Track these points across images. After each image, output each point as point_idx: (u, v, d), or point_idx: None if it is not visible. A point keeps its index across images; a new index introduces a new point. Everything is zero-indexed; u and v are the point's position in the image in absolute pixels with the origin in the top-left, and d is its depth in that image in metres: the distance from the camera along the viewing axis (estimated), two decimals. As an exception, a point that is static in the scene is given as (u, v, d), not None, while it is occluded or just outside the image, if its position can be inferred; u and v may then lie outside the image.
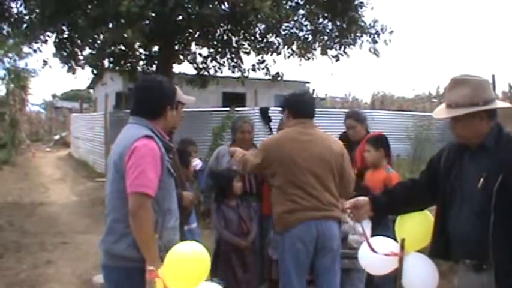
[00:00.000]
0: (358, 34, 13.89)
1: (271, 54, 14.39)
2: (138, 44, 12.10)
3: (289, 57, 14.66)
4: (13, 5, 12.55)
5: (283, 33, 13.80)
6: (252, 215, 5.43)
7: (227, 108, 14.79)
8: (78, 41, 12.48)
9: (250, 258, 5.36)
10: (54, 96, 54.99)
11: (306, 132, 4.67)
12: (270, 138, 4.93)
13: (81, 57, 13.25)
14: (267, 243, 5.54)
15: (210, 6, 11.03)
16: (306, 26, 14.06)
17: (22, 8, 12.48)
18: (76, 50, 12.95)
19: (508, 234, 2.83)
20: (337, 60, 14.50)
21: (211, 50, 14.44)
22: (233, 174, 5.42)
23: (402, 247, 3.37)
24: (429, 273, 3.34)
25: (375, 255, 3.42)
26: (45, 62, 13.51)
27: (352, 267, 5.08)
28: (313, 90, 30.36)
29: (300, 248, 4.44)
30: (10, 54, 21.00)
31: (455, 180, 3.09)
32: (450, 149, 3.22)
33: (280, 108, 5.07)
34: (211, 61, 14.68)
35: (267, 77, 15.09)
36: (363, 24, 13.71)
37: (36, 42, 13.19)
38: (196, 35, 13.32)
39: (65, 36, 12.63)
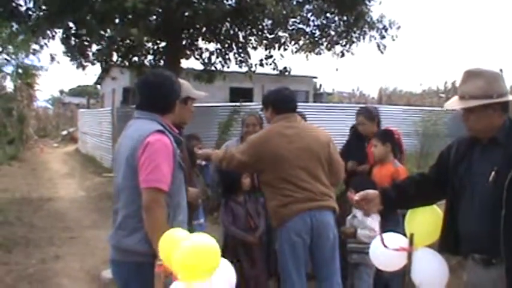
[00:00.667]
0: (366, 29, 13.87)
1: (279, 49, 14.39)
2: (145, 39, 12.12)
3: (296, 52, 14.68)
4: (21, 2, 12.60)
5: (290, 28, 13.79)
6: (260, 211, 5.40)
7: (233, 104, 14.78)
8: (86, 37, 12.51)
9: (258, 254, 5.33)
10: (61, 92, 55.26)
11: (291, 126, 4.65)
12: (256, 135, 4.83)
13: (89, 53, 13.28)
14: (274, 238, 5.54)
15: (216, 1, 11.02)
16: (313, 21, 14.05)
17: (30, 5, 12.51)
18: (84, 45, 12.97)
19: None
20: (342, 56, 14.50)
21: (218, 45, 14.44)
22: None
23: (411, 242, 3.36)
24: (438, 268, 3.32)
25: (385, 250, 3.41)
26: (52, 58, 13.56)
27: (362, 262, 5.08)
28: (321, 85, 30.24)
29: (297, 241, 4.44)
30: (19, 51, 21.02)
31: (465, 175, 3.07)
32: (460, 143, 3.20)
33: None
34: (217, 56, 14.68)
35: (275, 72, 15.09)
36: (370, 19, 13.69)
37: (44, 38, 13.22)
38: (203, 31, 13.33)
39: (72, 32, 12.66)
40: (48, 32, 12.76)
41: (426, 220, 3.37)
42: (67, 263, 7.31)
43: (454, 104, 3.10)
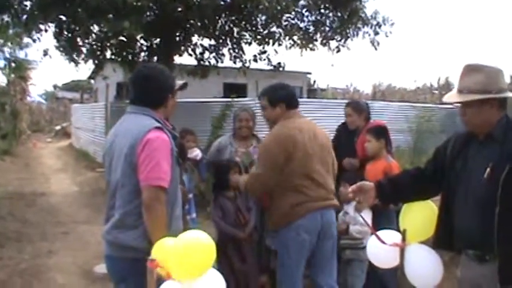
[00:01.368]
0: (360, 25, 13.87)
1: (273, 45, 14.37)
2: (139, 35, 12.07)
3: (290, 47, 14.65)
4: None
5: (284, 24, 13.78)
6: (251, 206, 5.37)
7: (226, 99, 14.77)
8: (78, 32, 12.45)
9: (248, 250, 5.31)
10: (55, 86, 55.02)
11: (305, 122, 4.66)
12: (271, 138, 4.58)
13: (83, 49, 13.23)
14: (265, 234, 5.54)
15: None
16: (307, 16, 14.04)
17: (22, -2, 12.43)
18: (77, 40, 12.91)
19: None
20: (337, 52, 14.50)
21: (212, 41, 14.41)
22: (231, 166, 5.39)
23: (403, 238, 3.37)
24: (432, 264, 3.32)
25: (379, 246, 3.41)
26: (45, 52, 13.49)
27: (355, 258, 5.09)
28: (315, 81, 30.25)
29: (306, 238, 4.42)
30: (10, 44, 20.94)
31: (461, 170, 3.07)
32: (457, 138, 3.20)
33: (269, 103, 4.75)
34: (212, 52, 14.65)
35: (269, 67, 15.07)
36: (364, 15, 13.69)
37: (37, 32, 13.15)
38: (197, 26, 13.29)
39: (65, 26, 12.59)
40: (41, 25, 12.68)
41: (421, 216, 3.37)
42: (60, 258, 7.30)
43: (452, 97, 3.11)
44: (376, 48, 14.31)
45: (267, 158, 4.47)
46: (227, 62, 15.19)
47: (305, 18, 14.08)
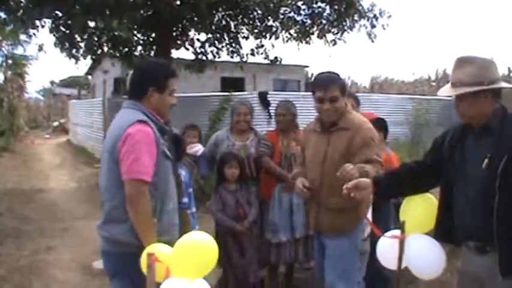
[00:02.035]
0: (356, 18, 13.86)
1: (270, 39, 14.36)
2: (135, 31, 12.06)
3: (287, 41, 14.64)
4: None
5: (281, 17, 13.76)
6: (252, 201, 5.38)
7: (224, 93, 14.77)
8: (74, 28, 12.43)
9: (247, 244, 5.31)
10: (52, 83, 55.02)
11: None
12: (374, 131, 4.14)
13: (81, 44, 13.21)
14: (265, 228, 5.54)
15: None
16: (303, 10, 14.03)
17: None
18: (74, 36, 12.88)
19: None
20: (334, 45, 14.50)
21: (210, 35, 14.39)
22: (226, 160, 5.40)
23: (402, 230, 3.37)
24: (434, 253, 3.31)
25: (384, 245, 3.42)
26: (40, 48, 13.46)
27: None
28: (312, 74, 30.27)
29: None
30: (7, 41, 20.88)
31: (459, 162, 3.07)
32: (454, 130, 3.19)
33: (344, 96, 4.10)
34: (209, 46, 14.64)
35: (266, 61, 15.07)
36: (360, 8, 13.68)
37: (33, 28, 13.11)
38: (194, 21, 13.27)
39: (61, 22, 12.56)
40: (37, 22, 12.65)
41: (421, 209, 3.36)
42: (59, 254, 7.31)
43: (446, 91, 3.10)
44: (373, 41, 14.34)
45: (379, 147, 4.18)
46: (224, 56, 15.18)
47: (302, 11, 14.06)
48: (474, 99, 2.95)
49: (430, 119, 14.39)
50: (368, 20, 14.02)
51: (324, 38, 14.35)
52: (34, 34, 13.40)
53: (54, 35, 12.82)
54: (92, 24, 11.79)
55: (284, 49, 15.60)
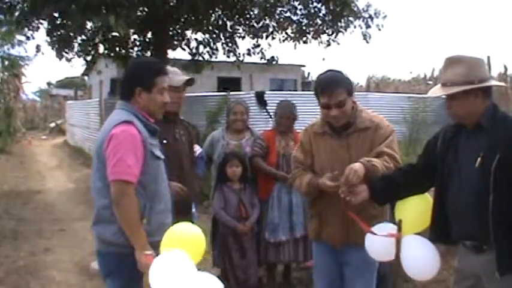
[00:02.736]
0: (351, 18, 13.89)
1: (266, 38, 14.39)
2: (132, 30, 12.05)
3: (284, 41, 14.67)
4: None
5: (277, 17, 13.79)
6: (255, 202, 5.38)
7: (222, 93, 14.77)
8: (70, 28, 12.42)
9: (248, 244, 5.32)
10: (49, 84, 54.98)
11: None
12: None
13: (75, 45, 13.20)
14: (263, 227, 5.55)
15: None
16: (300, 10, 14.05)
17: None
18: (69, 36, 12.88)
19: (508, 213, 2.83)
20: (327, 46, 14.54)
21: (206, 35, 14.40)
22: (228, 158, 5.40)
23: (399, 228, 3.37)
24: (428, 255, 3.31)
25: (374, 238, 3.41)
26: (37, 49, 13.45)
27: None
28: (309, 73, 30.21)
29: None
30: (3, 41, 20.86)
31: (452, 161, 3.08)
32: (447, 130, 3.21)
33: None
34: (205, 46, 14.65)
35: (262, 61, 15.09)
36: (356, 8, 13.70)
37: (29, 29, 13.12)
38: (190, 21, 13.28)
39: (57, 23, 12.56)
40: (33, 23, 12.65)
41: (416, 207, 3.36)
42: (56, 255, 7.29)
43: (436, 91, 3.12)
44: (367, 41, 14.37)
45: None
46: (221, 56, 15.19)
47: (298, 12, 14.09)
48: (465, 99, 2.97)
49: (427, 118, 14.37)
50: (363, 20, 14.05)
51: (318, 38, 14.38)
52: (31, 35, 13.42)
53: (49, 36, 12.83)
54: (89, 23, 11.81)
55: (280, 49, 15.65)
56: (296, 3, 13.87)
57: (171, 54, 14.40)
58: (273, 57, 14.99)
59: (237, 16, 13.92)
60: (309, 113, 7.26)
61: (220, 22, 14.10)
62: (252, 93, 13.99)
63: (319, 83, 3.74)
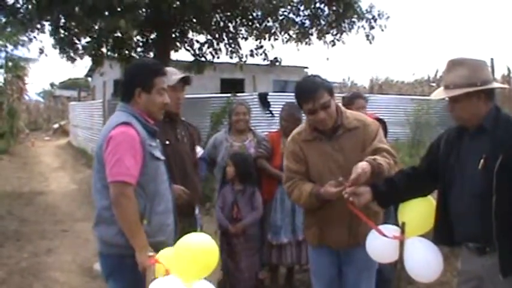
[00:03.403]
0: (355, 19, 13.89)
1: (269, 40, 14.39)
2: (135, 32, 12.07)
3: (287, 42, 14.67)
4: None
5: (280, 18, 13.79)
6: (257, 205, 5.34)
7: (225, 94, 14.76)
8: (75, 30, 12.45)
9: (239, 248, 5.29)
10: (52, 85, 55.03)
11: None
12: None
13: (79, 46, 13.22)
14: (266, 228, 5.54)
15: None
16: (302, 11, 14.06)
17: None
18: (73, 38, 12.91)
19: (511, 215, 2.83)
20: (333, 46, 14.54)
21: (209, 37, 14.41)
22: (228, 159, 5.42)
23: (403, 230, 3.36)
24: (432, 257, 3.30)
25: (379, 241, 3.40)
26: (41, 51, 13.47)
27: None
28: (312, 75, 30.27)
29: None
30: (7, 43, 20.91)
31: (455, 163, 3.08)
32: (449, 133, 3.21)
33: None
34: (208, 47, 14.65)
35: (265, 62, 15.08)
36: (359, 9, 13.71)
37: (33, 31, 13.14)
38: (193, 22, 13.29)
39: (61, 24, 12.58)
40: (38, 24, 12.67)
41: (419, 209, 3.35)
42: (59, 256, 7.30)
43: (439, 94, 3.11)
44: (370, 42, 14.37)
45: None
46: (224, 58, 15.19)
47: (301, 13, 14.09)
48: (468, 101, 2.96)
49: (431, 120, 14.36)
50: (366, 21, 14.05)
51: (323, 39, 14.38)
52: (35, 37, 13.45)
53: (54, 38, 12.85)
54: (95, 26, 11.82)
55: (283, 50, 15.65)
56: (299, 5, 13.86)
57: (174, 55, 14.42)
58: (276, 58, 14.99)
59: (239, 17, 13.93)
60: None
61: (222, 23, 14.11)
62: (255, 94, 14.00)
63: (300, 91, 3.74)
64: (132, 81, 3.38)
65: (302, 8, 13.88)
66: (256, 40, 14.55)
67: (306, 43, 14.65)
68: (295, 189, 3.77)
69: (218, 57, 14.99)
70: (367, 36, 14.24)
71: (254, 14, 13.78)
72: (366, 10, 13.95)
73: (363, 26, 14.15)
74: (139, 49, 13.93)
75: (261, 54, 14.89)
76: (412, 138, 14.25)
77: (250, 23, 14.13)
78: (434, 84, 24.55)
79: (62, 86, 52.19)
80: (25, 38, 15.32)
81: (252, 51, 14.84)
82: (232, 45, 14.69)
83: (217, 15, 13.60)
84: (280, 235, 5.48)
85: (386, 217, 4.32)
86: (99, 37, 12.30)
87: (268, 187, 5.55)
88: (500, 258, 2.85)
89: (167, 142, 4.15)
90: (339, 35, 14.27)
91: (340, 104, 3.84)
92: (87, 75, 32.76)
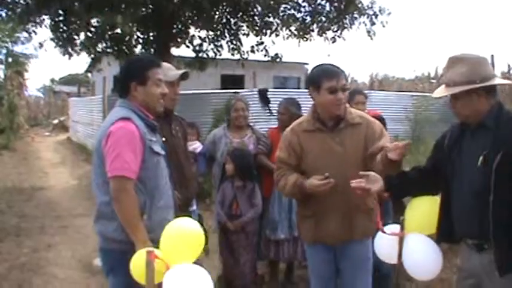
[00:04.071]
0: (356, 15, 13.88)
1: (270, 36, 14.38)
2: (134, 28, 12.05)
3: (287, 38, 14.66)
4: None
5: (281, 14, 13.78)
6: (256, 202, 5.35)
7: (226, 91, 14.75)
8: (74, 25, 12.43)
9: (237, 244, 5.30)
10: (52, 80, 55.02)
11: None
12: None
13: (77, 42, 13.21)
14: (265, 224, 5.54)
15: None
16: (304, 7, 14.04)
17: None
18: (72, 33, 12.89)
19: (508, 212, 2.83)
20: (333, 42, 14.52)
21: (210, 33, 14.39)
22: (227, 156, 5.43)
23: (402, 227, 3.36)
24: (430, 255, 3.30)
25: (383, 240, 3.41)
26: (41, 45, 13.47)
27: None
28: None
29: None
30: (6, 38, 20.91)
31: (456, 160, 3.08)
32: (452, 130, 3.21)
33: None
34: (209, 44, 14.64)
35: (266, 58, 15.07)
36: (360, 5, 13.70)
37: (32, 25, 13.12)
38: (194, 18, 13.27)
39: (61, 19, 12.56)
40: (37, 18, 12.65)
41: (425, 209, 3.35)
42: (59, 252, 7.30)
43: (440, 92, 3.11)
44: (371, 38, 14.38)
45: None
46: (224, 54, 15.18)
47: (302, 9, 14.09)
48: (468, 98, 2.96)
49: (431, 116, 14.36)
50: (368, 17, 14.04)
51: (324, 35, 14.37)
52: (34, 32, 13.42)
53: (52, 32, 12.84)
54: (94, 22, 11.81)
55: (284, 46, 15.59)
56: (300, 1, 13.86)
57: (175, 51, 14.39)
58: (276, 54, 14.98)
59: (240, 13, 13.91)
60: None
61: (224, 19, 14.10)
62: (255, 90, 14.00)
63: (323, 69, 3.76)
64: (127, 76, 3.40)
65: (303, 3, 13.87)
66: (257, 36, 14.53)
67: (307, 39, 14.64)
68: (282, 179, 3.81)
69: (220, 54, 14.99)
70: (368, 32, 14.24)
71: (255, 10, 13.76)
72: (367, 6, 13.95)
73: (364, 22, 14.15)
74: (139, 46, 13.90)
75: (261, 50, 14.88)
76: (411, 134, 14.26)
77: (251, 19, 14.12)
78: (434, 81, 24.54)
79: (62, 81, 52.22)
80: (25, 34, 15.27)
81: (252, 47, 14.83)
82: (234, 42, 14.68)
83: (218, 11, 13.58)
84: (277, 231, 5.49)
85: (384, 216, 4.33)
86: (97, 33, 12.29)
87: (267, 184, 5.54)
88: (496, 256, 2.85)
89: (164, 139, 4.16)
90: (340, 31, 14.26)
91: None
92: (87, 71, 32.71)
